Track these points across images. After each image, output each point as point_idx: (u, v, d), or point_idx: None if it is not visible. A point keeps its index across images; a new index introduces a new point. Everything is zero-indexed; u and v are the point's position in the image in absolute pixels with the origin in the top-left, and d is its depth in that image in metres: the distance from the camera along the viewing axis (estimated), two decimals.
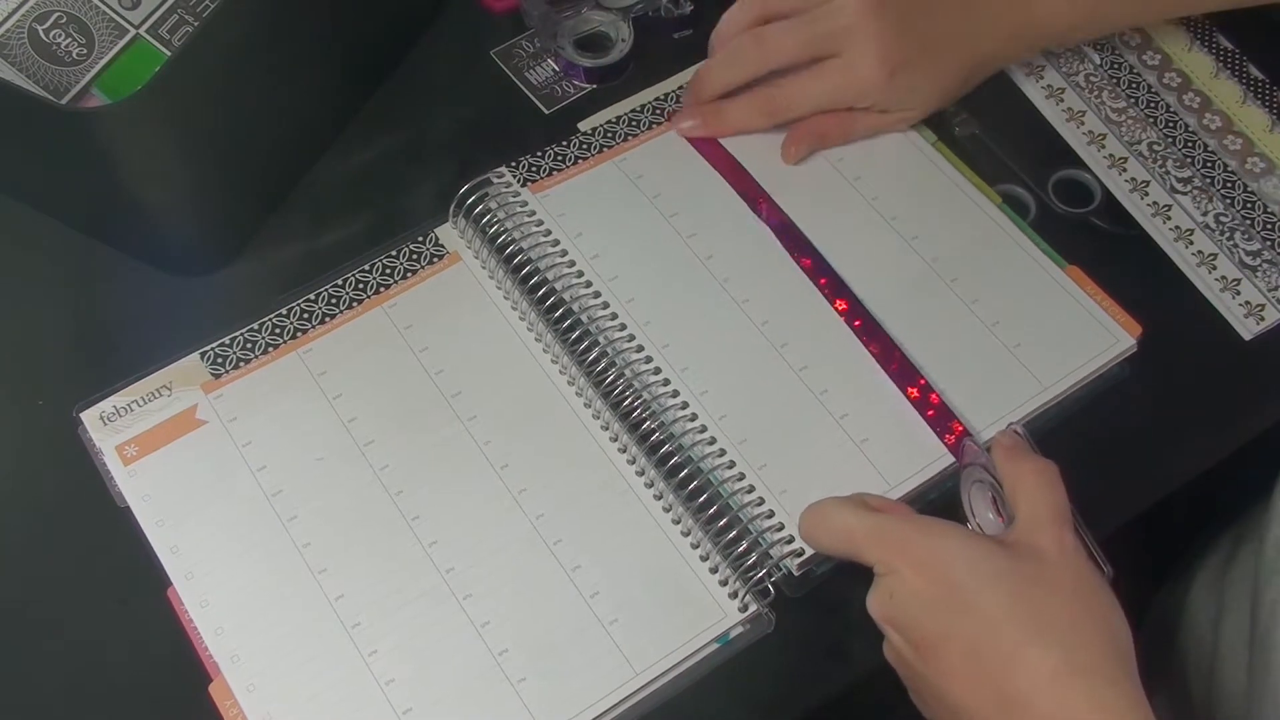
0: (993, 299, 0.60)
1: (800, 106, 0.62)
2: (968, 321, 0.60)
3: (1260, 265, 0.63)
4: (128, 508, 0.54)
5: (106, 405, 0.56)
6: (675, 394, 0.57)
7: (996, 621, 0.45)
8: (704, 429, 0.56)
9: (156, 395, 0.57)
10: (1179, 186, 0.64)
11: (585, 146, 0.64)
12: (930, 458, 0.56)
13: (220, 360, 0.58)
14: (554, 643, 0.52)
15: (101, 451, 0.55)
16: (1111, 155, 0.66)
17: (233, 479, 0.55)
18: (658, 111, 0.65)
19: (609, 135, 0.65)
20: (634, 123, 0.65)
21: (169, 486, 0.55)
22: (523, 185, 0.62)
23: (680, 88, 0.66)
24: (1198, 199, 0.64)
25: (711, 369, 0.58)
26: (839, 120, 0.63)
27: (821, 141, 0.63)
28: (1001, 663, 0.44)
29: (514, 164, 0.63)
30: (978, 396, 0.58)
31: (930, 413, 0.57)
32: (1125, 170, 0.65)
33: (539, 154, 0.64)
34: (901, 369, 0.58)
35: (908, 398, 0.57)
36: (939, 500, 0.56)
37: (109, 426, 0.56)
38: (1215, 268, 0.62)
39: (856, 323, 0.59)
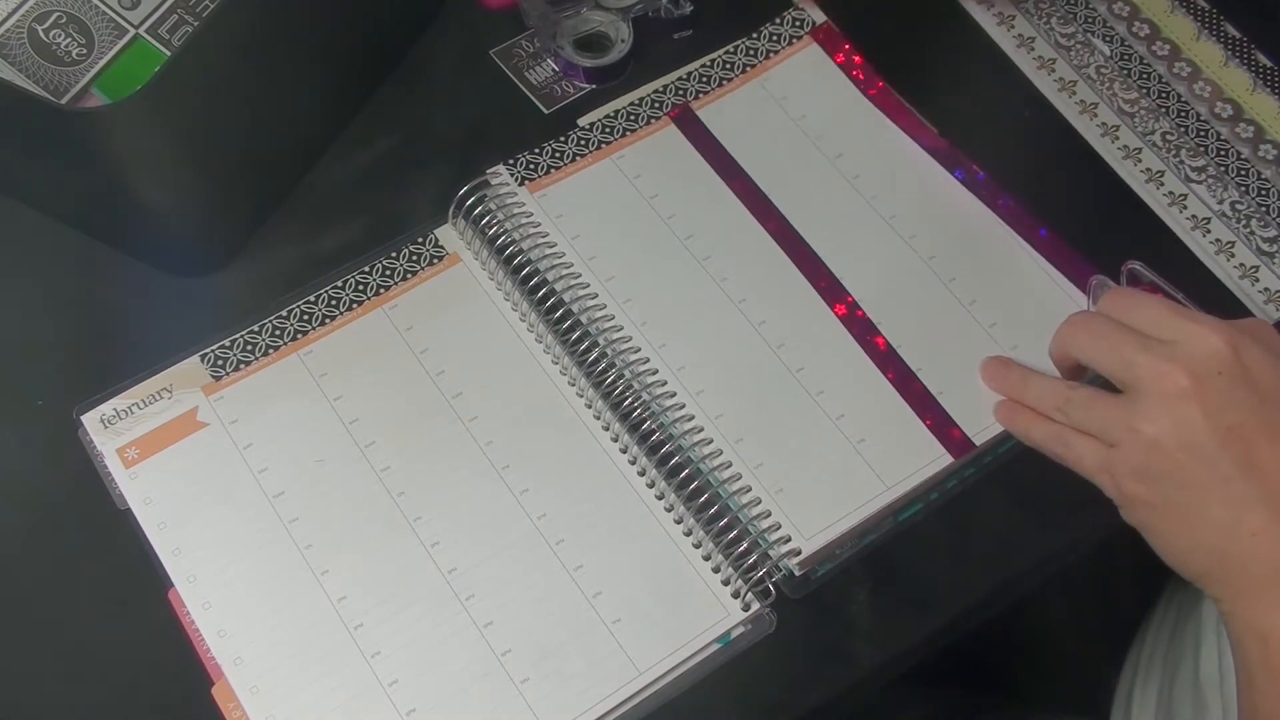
0: (990, 299, 0.60)
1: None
2: (964, 322, 0.59)
3: (1278, 251, 0.62)
4: (128, 510, 0.54)
5: (107, 408, 0.56)
6: (672, 394, 0.57)
7: None
8: (700, 429, 0.56)
9: (157, 398, 0.56)
10: (1194, 175, 0.64)
11: (583, 143, 0.63)
12: (927, 459, 0.55)
13: (221, 362, 0.57)
14: (557, 643, 0.52)
15: (103, 454, 0.55)
16: (1126, 146, 0.65)
17: (234, 481, 0.55)
18: (656, 105, 0.65)
19: (607, 131, 0.64)
20: (632, 117, 0.64)
21: (171, 489, 0.55)
22: (520, 184, 0.62)
23: (679, 79, 0.65)
24: (1213, 187, 0.64)
25: (708, 368, 0.57)
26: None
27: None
28: None
29: (511, 162, 0.62)
30: (975, 398, 0.57)
31: (928, 419, 0.56)
32: (1140, 161, 0.65)
33: (536, 150, 0.63)
34: (899, 371, 0.58)
35: (905, 399, 0.57)
36: (939, 501, 0.56)
37: (110, 429, 0.56)
38: (1234, 255, 0.62)
39: (854, 327, 0.59)
